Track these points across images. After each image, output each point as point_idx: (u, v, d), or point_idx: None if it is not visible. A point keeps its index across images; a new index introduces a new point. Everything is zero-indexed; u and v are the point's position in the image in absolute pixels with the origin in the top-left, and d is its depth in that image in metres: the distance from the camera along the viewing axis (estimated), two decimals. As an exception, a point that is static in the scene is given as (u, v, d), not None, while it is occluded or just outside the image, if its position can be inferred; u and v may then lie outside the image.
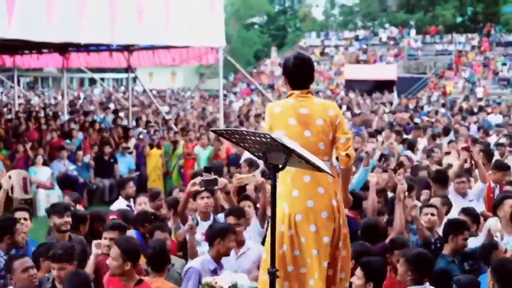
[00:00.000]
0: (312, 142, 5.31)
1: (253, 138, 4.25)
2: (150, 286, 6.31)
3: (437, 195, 9.60)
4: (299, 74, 5.52)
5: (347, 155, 5.42)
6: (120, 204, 10.34)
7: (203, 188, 7.90)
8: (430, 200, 9.24)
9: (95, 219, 8.56)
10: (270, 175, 4.38)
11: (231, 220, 7.52)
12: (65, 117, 25.10)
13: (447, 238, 7.51)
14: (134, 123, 22.99)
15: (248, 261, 7.35)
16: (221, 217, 8.24)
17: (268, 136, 4.12)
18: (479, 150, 12.44)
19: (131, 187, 10.65)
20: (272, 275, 4.42)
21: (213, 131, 4.78)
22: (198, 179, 7.80)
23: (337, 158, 5.57)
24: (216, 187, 8.02)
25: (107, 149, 16.95)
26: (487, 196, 10.30)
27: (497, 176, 10.62)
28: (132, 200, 10.30)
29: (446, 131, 17.93)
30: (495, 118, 24.02)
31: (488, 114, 25.45)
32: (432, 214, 8.22)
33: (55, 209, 7.88)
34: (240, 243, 7.40)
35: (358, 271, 6.26)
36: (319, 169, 4.40)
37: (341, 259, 5.43)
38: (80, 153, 17.28)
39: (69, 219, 7.79)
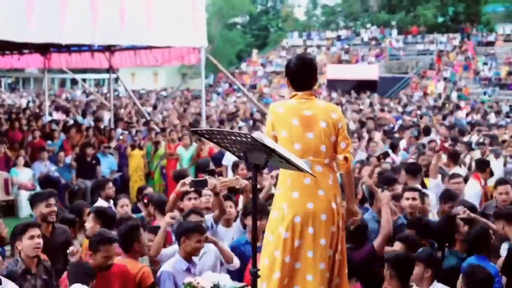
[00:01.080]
0: (314, 144, 5.28)
1: (233, 138, 4.24)
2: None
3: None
4: (301, 75, 5.49)
5: (345, 158, 5.37)
6: (100, 205, 10.30)
7: (192, 189, 7.92)
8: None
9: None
10: (251, 175, 4.37)
11: (194, 218, 7.58)
12: (47, 118, 25.01)
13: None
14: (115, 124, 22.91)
15: (210, 260, 7.37)
16: (208, 218, 8.27)
17: (249, 136, 4.12)
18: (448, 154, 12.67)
19: (110, 188, 10.58)
20: (254, 275, 4.42)
21: (193, 131, 4.76)
22: (188, 179, 7.83)
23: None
24: (206, 188, 8.04)
25: (89, 150, 16.86)
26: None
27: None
28: (111, 201, 10.26)
29: (426, 131, 18.06)
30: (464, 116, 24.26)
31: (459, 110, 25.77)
32: (414, 199, 8.26)
33: (40, 197, 7.79)
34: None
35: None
36: (300, 169, 4.40)
37: (337, 263, 5.35)
38: (62, 154, 17.20)
39: (55, 208, 7.71)
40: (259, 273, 4.71)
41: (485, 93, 43.46)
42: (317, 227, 5.21)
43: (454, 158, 12.45)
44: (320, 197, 5.23)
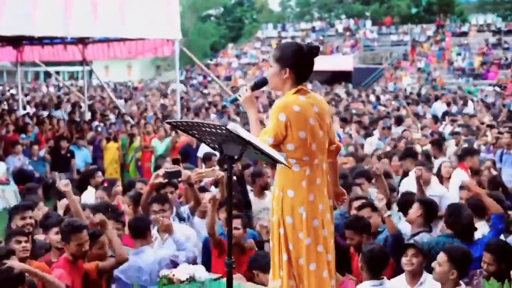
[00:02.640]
0: (324, 142, 5.00)
1: (208, 129, 4.21)
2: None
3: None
4: (311, 66, 4.99)
5: (337, 147, 5.19)
6: (89, 193, 10.36)
7: (166, 180, 7.89)
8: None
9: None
10: (226, 166, 4.36)
11: (156, 207, 7.61)
12: (20, 112, 24.82)
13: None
14: (90, 117, 22.79)
15: (172, 245, 7.35)
16: (184, 209, 8.27)
17: (224, 128, 4.08)
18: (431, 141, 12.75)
19: (99, 177, 10.74)
20: (229, 266, 4.41)
21: (168, 122, 4.67)
22: (161, 171, 7.81)
23: None
24: (179, 179, 8.04)
25: (63, 143, 16.74)
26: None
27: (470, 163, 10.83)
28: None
29: (398, 121, 18.17)
30: (441, 107, 24.35)
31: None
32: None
33: (16, 210, 7.79)
34: (168, 229, 7.37)
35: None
36: (275, 160, 4.38)
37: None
38: (36, 147, 17.08)
39: (31, 221, 7.67)
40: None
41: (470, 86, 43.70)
42: (327, 228, 4.97)
43: (438, 146, 12.49)
44: (325, 196, 4.99)
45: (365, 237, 7.21)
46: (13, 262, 5.91)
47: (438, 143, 12.80)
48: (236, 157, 4.27)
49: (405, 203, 8.15)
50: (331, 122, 5.11)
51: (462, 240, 7.18)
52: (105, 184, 10.21)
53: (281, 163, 4.42)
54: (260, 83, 5.08)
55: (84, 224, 6.66)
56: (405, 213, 7.98)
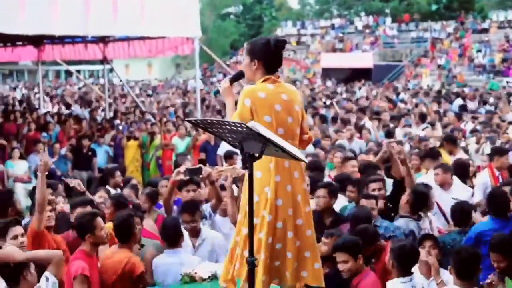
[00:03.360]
0: (293, 129, 5.35)
1: (228, 127, 4.23)
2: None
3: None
4: (276, 58, 5.41)
5: (310, 137, 5.60)
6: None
7: (187, 177, 7.89)
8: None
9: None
10: (247, 164, 4.36)
11: (186, 217, 7.61)
12: (42, 110, 24.97)
13: None
14: (111, 115, 22.88)
15: (205, 251, 7.39)
16: (205, 207, 8.29)
17: (244, 126, 4.10)
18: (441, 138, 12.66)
19: (118, 176, 10.76)
20: (252, 264, 4.42)
21: (189, 121, 4.74)
22: (182, 168, 7.80)
23: None
24: (200, 176, 8.04)
25: (85, 142, 16.82)
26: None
27: (499, 163, 10.58)
28: (119, 189, 10.32)
29: (422, 118, 18.05)
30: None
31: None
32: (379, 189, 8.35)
33: None
34: (196, 233, 7.43)
35: (343, 255, 6.37)
36: (295, 157, 4.40)
37: (309, 238, 5.43)
38: (57, 146, 17.17)
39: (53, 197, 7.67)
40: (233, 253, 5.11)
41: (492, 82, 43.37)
42: (295, 208, 5.31)
43: (452, 142, 12.38)
44: (296, 179, 5.34)
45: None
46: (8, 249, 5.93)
47: (452, 139, 12.68)
48: (256, 154, 4.29)
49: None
50: (303, 112, 5.51)
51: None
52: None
53: (301, 160, 4.48)
54: (238, 76, 5.60)
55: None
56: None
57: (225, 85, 5.52)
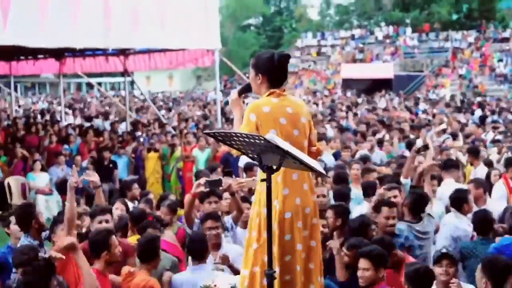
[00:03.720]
0: (299, 141, 5.32)
1: (246, 140, 4.23)
2: None
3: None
4: (280, 72, 5.44)
5: (318, 149, 5.59)
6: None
7: (207, 189, 7.89)
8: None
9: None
10: (266, 176, 4.36)
11: (209, 223, 7.60)
12: (63, 122, 25.12)
13: None
14: (131, 127, 22.97)
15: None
16: (227, 219, 8.29)
17: (262, 138, 4.11)
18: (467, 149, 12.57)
19: (136, 189, 10.78)
20: (270, 277, 4.41)
21: (206, 133, 4.76)
22: (202, 180, 7.80)
23: None
24: (220, 188, 8.04)
25: (106, 154, 16.90)
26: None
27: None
28: (136, 202, 10.35)
29: (445, 129, 17.97)
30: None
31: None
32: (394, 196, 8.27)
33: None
34: (218, 247, 7.45)
35: (364, 263, 6.31)
36: (312, 170, 4.40)
37: (312, 250, 5.42)
38: (79, 158, 17.26)
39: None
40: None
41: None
42: (303, 221, 5.33)
43: (475, 154, 12.31)
44: (305, 191, 5.35)
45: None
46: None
47: (474, 150, 12.62)
48: (275, 167, 4.29)
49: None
50: (311, 124, 5.52)
51: None
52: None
53: (319, 172, 4.48)
54: (246, 88, 5.64)
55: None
56: None
57: (233, 97, 5.60)
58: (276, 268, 5.11)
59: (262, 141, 4.12)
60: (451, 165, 10.81)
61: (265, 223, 5.01)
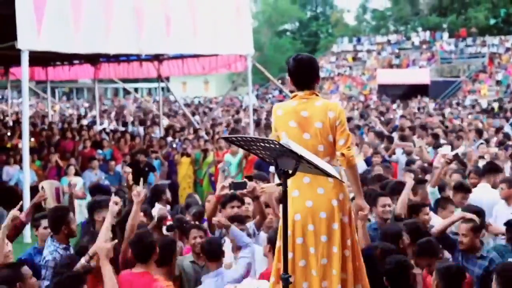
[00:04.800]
0: (311, 145, 5.33)
1: (263, 144, 4.28)
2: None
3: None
4: (300, 75, 5.55)
5: (342, 154, 5.43)
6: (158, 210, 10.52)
7: (232, 191, 7.89)
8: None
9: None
10: (281, 180, 4.40)
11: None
12: (98, 127, 25.37)
13: None
14: (165, 132, 23.09)
15: (244, 262, 7.37)
16: (249, 225, 8.28)
17: (276, 143, 4.16)
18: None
19: (167, 193, 10.86)
20: (285, 281, 4.43)
21: (224, 138, 4.86)
22: (227, 182, 7.81)
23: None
24: (245, 191, 8.03)
25: (141, 157, 16.99)
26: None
27: None
28: (168, 206, 10.45)
29: (480, 134, 17.81)
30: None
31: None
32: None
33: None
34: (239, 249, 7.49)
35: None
36: (327, 174, 4.42)
37: (346, 258, 5.43)
38: (112, 163, 17.36)
39: None
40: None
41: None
42: (317, 224, 5.36)
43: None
44: (320, 195, 5.38)
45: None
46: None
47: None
48: (290, 171, 4.32)
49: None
50: (328, 128, 5.42)
51: None
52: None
53: (334, 177, 4.50)
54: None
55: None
56: None
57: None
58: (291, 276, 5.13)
59: (277, 146, 4.17)
60: (487, 170, 10.69)
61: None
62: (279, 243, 5.37)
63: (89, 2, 13.97)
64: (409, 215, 8.16)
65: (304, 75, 5.54)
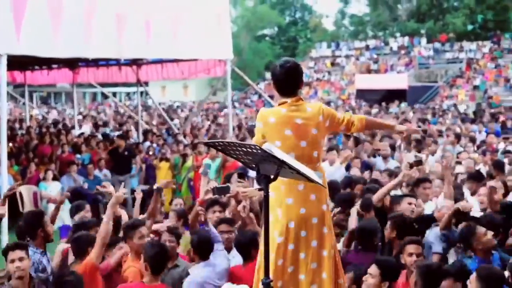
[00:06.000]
0: (307, 152, 5.39)
1: (244, 149, 4.26)
2: None
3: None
4: (287, 82, 5.50)
5: (352, 124, 5.70)
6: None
7: (215, 196, 7.89)
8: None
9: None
10: (263, 185, 4.40)
11: (224, 227, 7.69)
12: (76, 131, 25.25)
13: None
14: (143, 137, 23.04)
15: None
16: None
17: (258, 148, 4.14)
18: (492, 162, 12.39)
19: None
20: (267, 286, 4.44)
21: (205, 143, 4.87)
22: (211, 186, 7.81)
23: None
24: (228, 195, 8.06)
25: (120, 142, 17.17)
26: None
27: None
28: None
29: (459, 139, 17.91)
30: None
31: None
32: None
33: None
34: (229, 250, 7.53)
35: (373, 269, 6.26)
36: (310, 180, 4.43)
37: (333, 258, 5.52)
38: (91, 166, 17.28)
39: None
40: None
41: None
42: (309, 230, 5.40)
43: (499, 167, 12.09)
44: (312, 201, 5.41)
45: None
46: None
47: (497, 164, 12.41)
48: (272, 176, 4.33)
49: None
50: (322, 131, 5.55)
51: None
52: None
53: (317, 182, 4.49)
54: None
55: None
56: None
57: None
58: (279, 282, 5.28)
59: (259, 151, 4.16)
60: (471, 177, 10.78)
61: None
62: (261, 247, 5.36)
63: (69, 7, 13.91)
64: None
65: (292, 83, 5.52)
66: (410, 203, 8.31)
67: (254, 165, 4.40)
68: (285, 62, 5.53)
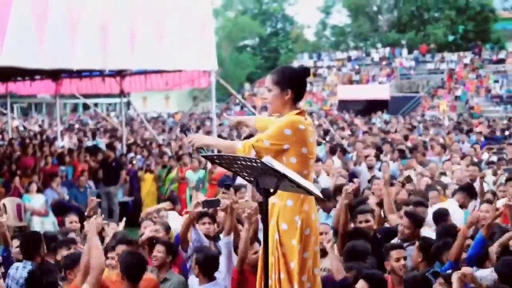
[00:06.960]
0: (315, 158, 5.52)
1: (243, 162, 4.22)
2: None
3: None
4: (306, 87, 5.51)
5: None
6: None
7: (205, 209, 7.87)
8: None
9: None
10: (262, 199, 4.36)
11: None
12: (60, 143, 25.08)
13: None
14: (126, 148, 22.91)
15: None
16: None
17: (259, 161, 4.11)
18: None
19: None
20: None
21: (204, 156, 4.75)
22: (200, 199, 7.76)
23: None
24: (218, 208, 8.05)
25: (109, 153, 17.17)
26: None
27: None
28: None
29: (445, 149, 17.97)
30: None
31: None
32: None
33: None
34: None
35: (361, 284, 6.19)
36: (309, 193, 4.40)
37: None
38: (83, 178, 17.09)
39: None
40: None
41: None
42: (316, 236, 5.42)
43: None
44: (315, 206, 5.45)
45: None
46: None
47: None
48: (271, 190, 4.28)
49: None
50: None
51: None
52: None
53: (317, 195, 4.46)
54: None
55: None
56: None
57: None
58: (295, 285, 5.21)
59: (259, 164, 4.12)
60: (462, 188, 10.79)
61: (284, 238, 5.24)
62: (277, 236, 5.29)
63: (53, 18, 13.79)
64: None
65: (306, 88, 5.54)
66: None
67: (252, 179, 4.35)
68: (302, 66, 5.51)
